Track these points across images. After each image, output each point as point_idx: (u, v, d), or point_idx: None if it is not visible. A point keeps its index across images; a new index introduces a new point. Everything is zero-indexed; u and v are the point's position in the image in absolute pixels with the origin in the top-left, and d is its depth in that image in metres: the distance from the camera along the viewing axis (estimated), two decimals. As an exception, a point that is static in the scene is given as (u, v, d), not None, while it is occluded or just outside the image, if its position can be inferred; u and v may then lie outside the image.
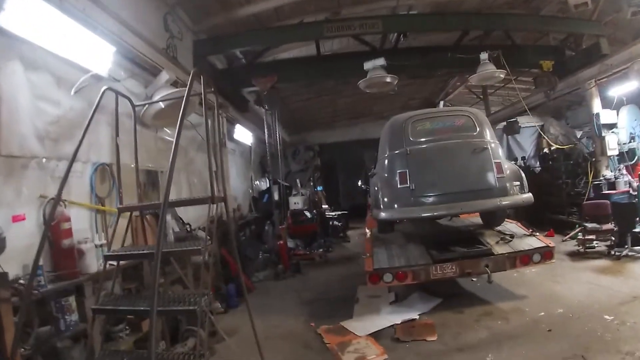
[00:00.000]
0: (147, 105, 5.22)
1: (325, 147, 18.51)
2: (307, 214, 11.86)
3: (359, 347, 4.97)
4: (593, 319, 5.14)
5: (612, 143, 9.53)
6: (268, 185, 12.47)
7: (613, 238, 7.96)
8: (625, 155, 9.77)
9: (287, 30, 8.09)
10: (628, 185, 9.00)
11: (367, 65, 7.81)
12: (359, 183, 17.52)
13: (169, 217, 5.95)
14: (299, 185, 13.94)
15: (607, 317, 5.13)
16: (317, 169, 16.47)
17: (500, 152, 6.66)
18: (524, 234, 6.56)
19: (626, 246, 7.70)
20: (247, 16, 7.54)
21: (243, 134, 10.81)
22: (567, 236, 9.10)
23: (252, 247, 9.20)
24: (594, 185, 9.74)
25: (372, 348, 4.92)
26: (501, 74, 8.17)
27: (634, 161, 9.77)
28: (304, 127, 17.42)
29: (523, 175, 6.46)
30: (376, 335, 5.29)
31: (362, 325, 5.61)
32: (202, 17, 7.39)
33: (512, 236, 6.37)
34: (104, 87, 3.78)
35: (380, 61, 7.71)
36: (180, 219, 6.35)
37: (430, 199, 6.02)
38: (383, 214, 6.18)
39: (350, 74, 8.73)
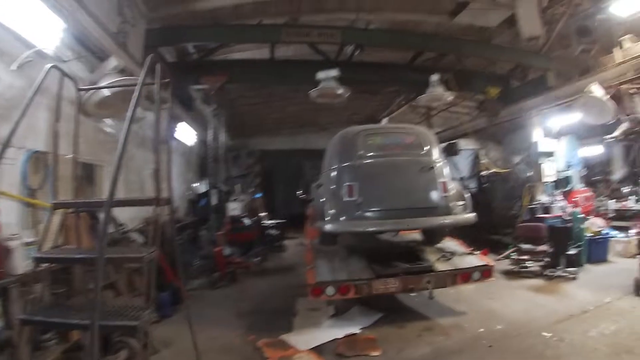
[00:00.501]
0: (91, 92, 4.77)
1: (267, 153, 18.27)
2: (247, 221, 11.50)
3: (301, 362, 4.78)
4: (532, 335, 5.35)
5: (549, 170, 10.17)
6: (207, 189, 11.98)
7: (546, 259, 8.37)
8: (560, 182, 10.43)
9: (246, 29, 7.87)
10: (562, 210, 9.58)
11: (321, 75, 7.76)
12: (298, 193, 17.46)
13: (102, 217, 5.48)
14: (238, 190, 13.56)
15: (545, 334, 5.36)
16: (257, 175, 16.14)
17: (446, 171, 6.82)
18: (464, 252, 6.74)
19: (559, 267, 8.15)
20: (206, 10, 7.28)
21: (185, 133, 10.32)
22: (501, 255, 9.46)
23: (187, 253, 8.75)
24: (529, 208, 10.26)
25: (314, 362, 4.75)
26: (450, 97, 8.44)
27: (569, 187, 10.47)
28: (247, 132, 17.05)
29: (467, 195, 6.66)
30: (318, 350, 5.14)
31: (303, 339, 5.43)
32: (158, 4, 7.00)
33: (452, 254, 6.55)
34: (50, 65, 3.39)
35: (334, 72, 7.69)
36: (115, 219, 5.89)
37: (377, 214, 6.00)
38: (328, 226, 6.07)
39: (303, 81, 8.64)
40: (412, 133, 6.80)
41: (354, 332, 5.64)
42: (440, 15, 8.42)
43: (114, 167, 2.88)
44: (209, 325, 5.95)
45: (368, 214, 5.98)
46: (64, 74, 3.67)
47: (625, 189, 12.24)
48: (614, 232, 9.79)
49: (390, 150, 6.45)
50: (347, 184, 6.10)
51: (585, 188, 11.25)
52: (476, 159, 16.30)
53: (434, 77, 8.40)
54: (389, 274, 5.77)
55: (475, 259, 6.45)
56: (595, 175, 14.81)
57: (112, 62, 5.15)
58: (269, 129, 18.01)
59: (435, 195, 6.20)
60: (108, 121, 6.01)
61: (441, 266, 6.10)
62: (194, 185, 12.29)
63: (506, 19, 8.25)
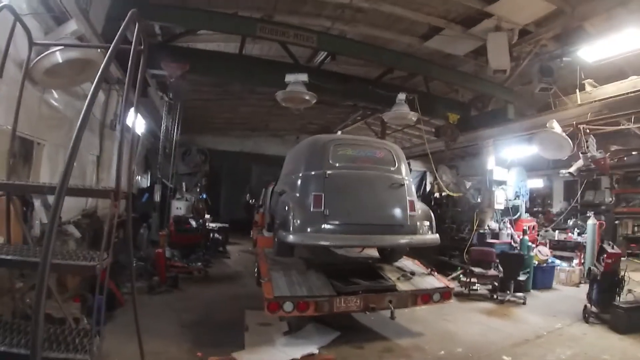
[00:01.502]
0: (42, 56, 4.09)
1: (215, 153, 17.52)
2: (193, 222, 10.78)
3: (259, 386, 4.33)
4: (492, 359, 5.34)
5: (500, 198, 10.50)
6: (150, 184, 11.16)
7: (495, 283, 8.57)
8: (509, 210, 10.79)
9: (220, 17, 7.28)
10: (510, 237, 9.90)
11: (289, 77, 7.44)
12: (247, 197, 16.87)
13: (37, 204, 4.77)
14: (184, 189, 12.79)
15: (505, 357, 5.42)
16: (205, 175, 15.40)
17: (414, 190, 6.69)
18: (423, 273, 6.62)
19: (508, 292, 8.34)
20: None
21: (135, 121, 9.46)
22: (450, 277, 9.53)
23: (125, 253, 7.95)
24: (478, 233, 10.46)
25: (274, 387, 4.32)
26: (413, 117, 8.42)
27: (516, 216, 10.85)
28: (195, 128, 16.28)
29: (432, 216, 6.54)
30: (275, 371, 4.70)
31: (258, 358, 4.99)
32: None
33: (412, 273, 6.40)
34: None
35: (303, 77, 7.40)
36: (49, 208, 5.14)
37: (344, 228, 5.72)
38: (292, 237, 5.62)
39: (269, 82, 8.29)
40: (383, 148, 6.61)
41: (312, 352, 5.25)
42: (412, 37, 8.44)
43: (70, 148, 2.32)
44: (150, 338, 5.21)
45: (334, 227, 5.68)
46: (19, 19, 3.05)
47: (570, 222, 13.04)
48: (558, 261, 10.24)
49: (361, 163, 6.20)
50: (314, 194, 5.76)
51: (530, 217, 11.74)
52: (422, 180, 16.66)
53: (401, 96, 8.42)
54: (351, 292, 5.50)
55: (435, 280, 6.36)
56: (536, 206, 15.72)
57: (71, 26, 4.50)
58: (218, 128, 17.42)
59: (403, 213, 6.06)
60: (55, 94, 5.25)
61: (403, 286, 5.93)
62: (137, 178, 11.42)
63: (474, 49, 8.38)
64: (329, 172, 5.88)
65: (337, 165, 6.00)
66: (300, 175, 6.29)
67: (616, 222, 13.33)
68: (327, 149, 6.13)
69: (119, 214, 8.17)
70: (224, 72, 8.26)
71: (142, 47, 3.16)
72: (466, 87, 9.78)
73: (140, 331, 3.28)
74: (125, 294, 6.75)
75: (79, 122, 2.31)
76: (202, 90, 11.92)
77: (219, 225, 13.55)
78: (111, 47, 2.62)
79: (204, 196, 14.80)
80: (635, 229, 13.52)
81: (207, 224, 12.44)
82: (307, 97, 7.46)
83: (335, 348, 5.51)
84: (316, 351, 5.30)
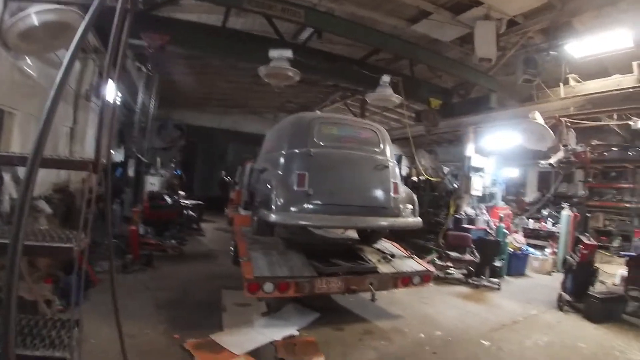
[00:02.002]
0: (17, 18, 3.78)
1: (191, 129, 17.10)
2: (168, 199, 10.49)
3: (240, 369, 4.23)
4: (472, 344, 5.44)
5: (477, 184, 10.61)
6: (124, 158, 10.77)
7: (471, 268, 8.73)
8: (486, 197, 10.96)
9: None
10: (486, 224, 10.07)
11: (274, 53, 7.19)
12: (222, 174, 16.62)
13: (7, 178, 4.49)
14: (158, 164, 12.42)
15: (484, 342, 5.51)
16: (180, 150, 15.01)
17: (398, 173, 6.65)
18: (403, 255, 6.66)
19: (483, 277, 8.55)
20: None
21: (111, 93, 9.05)
22: (425, 260, 9.62)
23: (97, 229, 7.65)
24: (455, 218, 10.59)
25: (255, 370, 4.23)
26: (397, 100, 8.35)
27: (492, 203, 11.05)
28: (172, 102, 15.80)
29: (416, 199, 6.53)
30: (255, 354, 4.62)
31: (237, 341, 4.85)
32: None
33: (392, 256, 6.42)
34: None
35: (288, 53, 7.15)
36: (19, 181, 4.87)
37: (327, 208, 5.63)
38: (275, 217, 5.50)
39: (252, 57, 7.93)
40: (369, 128, 6.55)
41: (292, 333, 5.20)
42: (399, 19, 8.27)
43: (44, 114, 2.11)
44: (125, 319, 4.95)
45: (318, 207, 5.59)
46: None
47: (545, 212, 13.39)
48: (531, 249, 10.51)
49: (346, 143, 6.11)
50: (298, 172, 5.66)
51: (505, 205, 11.96)
52: (398, 163, 16.78)
53: (386, 78, 8.28)
54: (332, 273, 5.44)
55: (415, 263, 6.42)
56: (510, 195, 16.03)
57: (49, -14, 4.17)
58: (196, 103, 16.88)
59: (386, 195, 6.05)
60: (28, 61, 4.92)
61: (384, 268, 5.94)
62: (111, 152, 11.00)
63: (460, 36, 8.32)
64: (313, 150, 5.78)
65: (321, 144, 5.90)
66: (284, 153, 6.15)
67: (588, 214, 13.73)
68: (312, 127, 6.01)
69: (91, 189, 7.85)
70: (205, 45, 7.91)
71: (130, 6, 2.91)
72: (451, 73, 9.71)
73: (118, 314, 3.07)
74: (98, 273, 6.53)
75: (54, 89, 2.10)
76: (181, 64, 11.48)
77: (193, 202, 13.22)
78: (94, 4, 2.39)
79: (179, 172, 14.44)
80: (606, 222, 13.98)
81: (181, 200, 12.15)
82: (290, 74, 7.22)
83: (315, 330, 5.48)
84: (296, 333, 5.27)
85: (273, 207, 5.54)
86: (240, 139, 18.54)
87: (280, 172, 5.95)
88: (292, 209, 5.53)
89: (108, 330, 3.71)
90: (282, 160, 6.11)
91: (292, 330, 5.28)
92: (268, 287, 4.99)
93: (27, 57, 4.99)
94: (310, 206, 5.55)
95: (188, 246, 10.15)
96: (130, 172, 10.52)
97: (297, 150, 5.93)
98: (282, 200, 5.56)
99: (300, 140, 5.96)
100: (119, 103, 10.00)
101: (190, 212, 12.58)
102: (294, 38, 8.78)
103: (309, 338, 5.15)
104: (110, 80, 3.01)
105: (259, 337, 5.05)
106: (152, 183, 11.34)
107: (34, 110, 5.49)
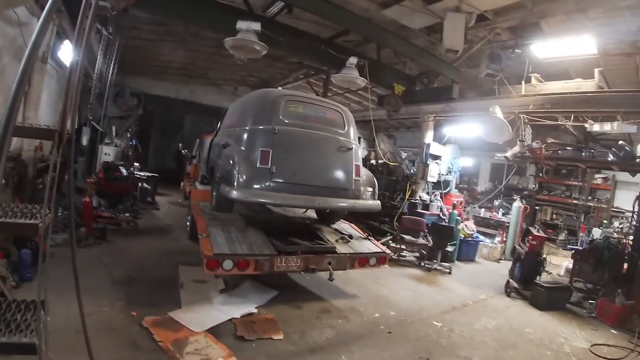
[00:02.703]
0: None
1: (148, 98, 16.42)
2: (123, 170, 10.09)
3: (200, 347, 4.20)
4: (425, 324, 5.68)
5: (434, 171, 10.92)
6: (78, 125, 10.25)
7: (423, 251, 9.09)
8: (441, 184, 11.29)
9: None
10: (439, 210, 10.40)
11: (242, 24, 6.99)
12: (179, 147, 16.17)
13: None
14: (114, 133, 11.92)
15: (436, 323, 5.77)
16: (137, 120, 14.40)
17: (360, 155, 6.71)
18: (360, 237, 6.80)
19: (435, 261, 8.89)
20: None
21: (68, 56, 8.51)
22: (379, 242, 9.86)
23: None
24: (410, 203, 10.85)
25: (215, 348, 4.21)
26: (362, 82, 8.38)
27: (446, 190, 11.39)
28: (130, 69, 15.04)
29: (376, 182, 6.64)
30: (215, 332, 4.59)
31: (196, 318, 4.82)
32: None
33: (350, 237, 6.54)
34: None
35: (257, 26, 6.99)
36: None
37: (290, 187, 5.60)
38: (236, 193, 5.40)
39: (217, 26, 7.71)
40: (335, 109, 6.51)
41: (250, 311, 5.23)
42: (370, 2, 8.24)
43: (14, 86, 2.00)
44: (82, 296, 4.97)
45: (280, 185, 5.55)
46: None
47: (497, 202, 13.99)
48: (481, 237, 10.97)
49: (311, 122, 6.06)
50: (262, 149, 5.59)
51: (459, 193, 12.39)
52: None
53: (352, 60, 8.30)
54: (291, 252, 5.48)
55: (372, 245, 6.58)
56: (462, 184, 16.63)
57: None
58: (154, 71, 16.12)
59: (348, 177, 6.09)
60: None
61: (342, 248, 6.05)
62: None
63: (429, 25, 8.40)
64: (278, 127, 5.70)
65: (286, 121, 5.83)
66: (247, 128, 6.04)
67: (537, 207, 14.46)
68: (278, 104, 5.92)
69: (43, 157, 7.42)
70: (170, 10, 7.54)
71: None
72: (417, 60, 9.84)
73: (80, 293, 2.93)
74: (51, 246, 6.21)
75: (25, 56, 1.97)
76: (143, 29, 10.93)
77: (147, 174, 12.82)
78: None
79: (135, 142, 13.91)
80: (554, 216, 14.84)
81: (136, 172, 11.75)
82: (257, 47, 7.07)
83: (274, 307, 5.54)
84: (255, 310, 5.30)
85: (235, 183, 5.46)
86: (198, 111, 18.03)
87: (243, 148, 5.86)
88: (255, 186, 5.47)
89: (64, 307, 3.56)
90: (245, 136, 6.00)
91: (251, 308, 5.31)
92: (227, 264, 4.93)
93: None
94: (272, 184, 5.51)
95: (142, 220, 9.86)
96: (85, 141, 10.05)
97: (261, 127, 5.83)
98: (244, 177, 5.48)
99: (265, 117, 5.86)
100: (78, 67, 9.49)
101: (145, 185, 12.21)
102: (263, 11, 8.56)
103: (267, 315, 5.21)
104: (77, 47, 2.82)
105: (217, 314, 5.03)
106: (107, 153, 10.90)
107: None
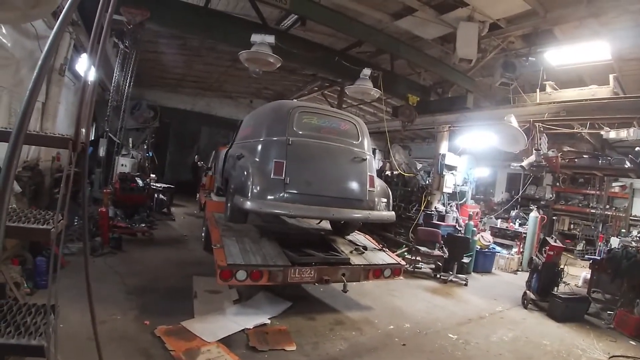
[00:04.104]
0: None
1: (164, 110, 16.70)
2: (139, 181, 10.22)
3: (212, 357, 4.19)
4: (440, 336, 5.58)
5: (449, 182, 10.84)
6: (95, 138, 10.44)
7: (439, 263, 8.96)
8: (456, 195, 11.18)
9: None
10: (455, 221, 10.29)
11: (256, 37, 7.08)
12: (195, 158, 16.33)
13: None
14: (130, 145, 12.10)
15: (451, 335, 5.65)
16: (153, 132, 14.60)
17: (374, 166, 6.70)
18: (375, 248, 6.77)
19: (451, 272, 8.75)
20: None
21: (92, 69, 8.64)
22: (395, 254, 9.76)
23: (68, 211, 7.36)
24: (425, 214, 10.75)
25: (227, 358, 4.19)
26: (376, 93, 8.39)
27: (462, 201, 11.28)
28: (146, 82, 15.38)
29: (390, 193, 6.61)
30: (227, 342, 4.57)
31: (208, 328, 4.81)
32: None
33: (365, 248, 6.51)
34: None
35: (271, 39, 7.06)
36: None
37: (304, 198, 5.60)
38: (250, 204, 5.40)
39: (233, 40, 7.83)
40: (349, 120, 6.52)
41: (263, 322, 5.21)
42: (384, 13, 8.34)
43: (31, 84, 2.02)
44: (95, 304, 4.94)
45: (294, 196, 5.55)
46: None
47: (513, 212, 13.80)
48: (498, 248, 10.81)
49: (325, 133, 6.07)
50: (276, 160, 5.60)
51: (475, 204, 12.25)
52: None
53: (366, 71, 8.30)
54: (305, 263, 5.46)
55: (386, 256, 6.52)
56: (479, 194, 16.46)
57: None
58: (170, 84, 16.46)
59: (362, 188, 6.07)
60: (3, 28, 4.67)
61: (356, 260, 6.01)
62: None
63: (442, 35, 8.44)
64: (292, 139, 5.72)
65: (300, 133, 5.85)
66: (262, 140, 6.06)
67: (554, 217, 14.24)
68: (292, 115, 5.94)
69: (60, 167, 7.50)
70: (186, 24, 7.70)
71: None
72: (431, 70, 9.85)
73: (92, 300, 2.96)
74: (66, 255, 6.32)
75: (38, 65, 2.00)
76: (159, 42, 11.18)
77: (164, 185, 12.98)
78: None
79: (151, 154, 14.09)
80: (572, 226, 14.59)
81: (152, 183, 11.89)
82: (272, 60, 7.13)
83: (287, 319, 5.50)
84: (268, 321, 5.27)
85: (249, 194, 5.48)
86: (214, 123, 18.24)
87: (257, 159, 5.87)
88: (268, 197, 5.48)
89: (77, 315, 3.60)
90: (259, 147, 6.03)
91: (264, 319, 5.29)
92: (241, 274, 4.94)
93: (1, 26, 4.72)
94: (286, 195, 5.51)
95: (158, 231, 9.94)
96: (102, 152, 10.23)
97: (275, 138, 5.85)
98: (258, 188, 5.50)
99: (280, 128, 5.89)
100: (93, 80, 9.67)
101: (161, 196, 12.35)
102: (277, 24, 8.69)
103: (281, 327, 5.17)
104: (92, 57, 2.87)
105: (230, 325, 5.02)
106: (123, 164, 11.04)
107: (6, 82, 5.23)
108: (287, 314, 5.65)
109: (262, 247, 5.66)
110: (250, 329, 4.96)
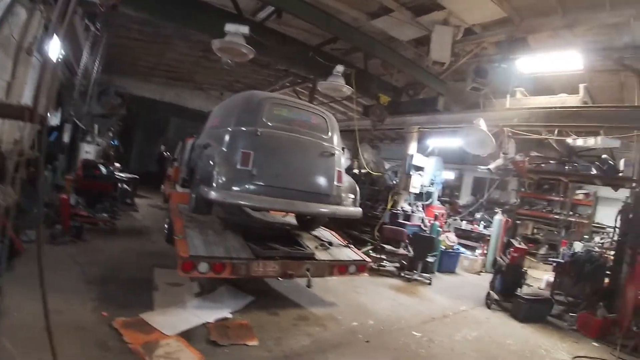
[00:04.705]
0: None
1: (133, 99, 16.22)
2: (103, 169, 9.90)
3: (171, 351, 4.07)
4: (404, 334, 5.61)
5: (416, 182, 10.97)
6: (60, 121, 10.04)
7: (404, 261, 9.04)
8: (423, 195, 11.33)
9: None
10: (421, 221, 10.43)
11: (230, 27, 6.94)
12: (161, 149, 15.97)
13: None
14: (96, 132, 11.71)
15: (415, 333, 5.70)
16: (120, 120, 14.17)
17: (343, 162, 6.69)
18: (340, 244, 6.77)
19: (416, 271, 8.83)
20: None
21: (55, 49, 8.29)
22: (360, 252, 9.79)
23: (27, 196, 7.06)
24: (391, 213, 10.86)
25: (186, 352, 4.09)
26: (348, 91, 8.40)
27: (428, 202, 11.44)
28: (116, 68, 14.88)
29: (357, 189, 6.63)
30: (187, 335, 4.47)
31: (168, 321, 4.69)
32: None
33: (330, 244, 6.50)
34: None
35: (245, 29, 6.93)
36: None
37: (270, 190, 5.56)
38: (215, 194, 5.30)
39: (206, 29, 7.64)
40: (319, 115, 6.50)
41: (225, 316, 5.12)
42: (360, 12, 8.32)
43: None
44: (52, 293, 4.53)
45: (261, 188, 5.50)
46: None
47: (478, 215, 14.09)
48: (462, 249, 11.02)
49: (295, 126, 6.02)
50: (243, 150, 5.54)
51: (441, 205, 12.45)
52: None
53: (339, 68, 8.27)
54: (269, 256, 5.39)
55: (352, 253, 6.53)
56: (444, 196, 16.75)
57: None
58: (141, 72, 15.94)
59: (330, 183, 6.08)
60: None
61: (321, 255, 6.00)
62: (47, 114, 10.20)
63: (417, 38, 8.50)
64: (261, 130, 5.66)
65: (270, 124, 5.79)
66: (230, 129, 5.96)
67: (518, 221, 14.61)
68: (263, 106, 5.87)
69: (22, 152, 7.18)
70: (160, 10, 7.48)
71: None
72: (404, 71, 9.90)
73: (44, 287, 2.84)
74: (25, 243, 6.04)
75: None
76: (132, 28, 10.85)
77: (128, 175, 12.61)
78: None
79: (116, 142, 13.70)
80: (535, 230, 15.02)
81: (116, 172, 11.57)
82: (244, 51, 7.00)
83: (249, 313, 5.43)
84: (230, 316, 5.19)
85: (214, 184, 5.38)
86: (183, 114, 17.84)
87: (224, 149, 5.77)
88: (234, 187, 5.40)
89: (32, 304, 3.42)
90: (227, 137, 5.91)
91: (226, 313, 5.21)
92: (203, 266, 4.83)
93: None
94: (252, 186, 5.46)
95: (121, 221, 9.68)
96: (66, 138, 9.86)
97: (244, 128, 5.77)
98: (223, 178, 5.41)
99: (249, 119, 5.80)
100: (60, 61, 9.29)
101: (125, 186, 12.01)
102: (253, 15, 8.54)
103: (242, 321, 5.09)
104: (55, 35, 2.75)
105: (191, 318, 4.91)
106: (88, 151, 10.67)
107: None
108: (249, 309, 5.58)
109: (225, 240, 5.55)
110: (211, 322, 4.87)
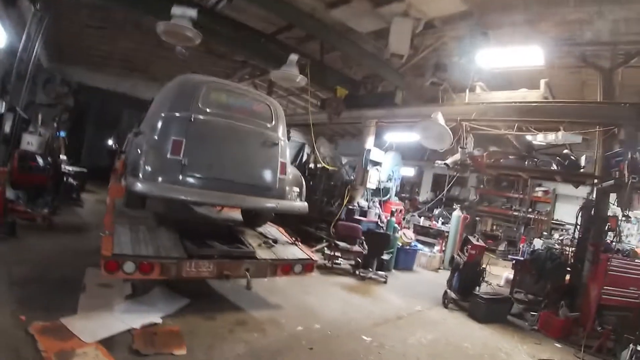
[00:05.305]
0: None
1: (85, 89, 15.48)
2: (40, 160, 9.24)
3: (86, 360, 3.65)
4: (352, 339, 5.28)
5: (374, 178, 10.80)
6: (4, 111, 9.35)
7: (359, 259, 8.77)
8: (380, 191, 11.17)
9: None
10: (377, 217, 10.25)
11: (176, 10, 6.54)
12: (110, 142, 15.27)
13: None
14: (39, 122, 10.99)
15: (365, 337, 5.37)
16: (67, 110, 13.39)
17: (288, 152, 6.34)
18: (287, 242, 6.39)
19: (371, 269, 8.59)
20: None
21: None
22: (314, 249, 9.56)
23: None
24: (348, 208, 10.67)
25: (103, 362, 3.68)
26: (302, 81, 8.12)
27: (386, 198, 11.28)
28: (69, 57, 14.18)
29: (303, 182, 6.32)
30: (108, 343, 4.04)
31: (89, 327, 4.24)
32: None
33: (275, 241, 6.13)
34: None
35: (192, 12, 6.53)
36: None
37: (202, 182, 5.21)
38: (140, 186, 4.86)
39: (158, 13, 7.17)
40: (263, 101, 6.13)
41: (154, 321, 4.70)
42: (318, 1, 7.99)
43: None
44: None
45: (193, 180, 5.14)
46: None
47: (436, 211, 14.08)
48: (420, 246, 10.90)
49: (235, 113, 5.65)
50: (174, 138, 5.14)
51: (399, 201, 12.34)
52: (300, 151, 16.79)
53: (293, 57, 7.97)
54: (204, 255, 4.99)
55: (298, 251, 6.16)
56: (404, 193, 16.75)
57: None
58: (93, 62, 15.24)
59: (272, 175, 5.78)
60: None
61: (263, 254, 5.58)
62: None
63: (376, 30, 8.24)
64: (195, 116, 5.28)
65: (207, 110, 5.41)
66: (162, 115, 5.51)
67: (477, 218, 14.67)
68: (199, 90, 5.47)
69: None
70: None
71: None
72: (361, 62, 9.68)
73: None
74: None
75: None
76: (82, 13, 10.27)
77: (75, 169, 11.89)
78: None
79: (62, 134, 12.94)
80: (494, 227, 15.12)
81: (62, 165, 10.87)
82: (190, 34, 6.61)
83: (183, 318, 5.00)
84: (159, 320, 4.77)
85: (140, 174, 4.96)
86: (138, 106, 17.00)
87: (155, 137, 5.33)
88: (162, 178, 5.00)
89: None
90: (160, 123, 5.46)
91: (155, 318, 4.78)
92: (129, 266, 4.40)
93: None
94: (183, 178, 5.09)
95: (62, 217, 9.04)
96: (7, 128, 9.19)
97: (177, 114, 5.35)
98: (150, 168, 5.00)
99: (183, 104, 5.38)
100: (3, 47, 8.58)
101: (71, 180, 11.33)
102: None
103: (173, 327, 4.69)
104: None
105: (116, 323, 4.49)
106: (29, 142, 9.93)
107: None
108: (184, 312, 5.15)
109: (157, 237, 5.13)
110: (137, 329, 4.45)
